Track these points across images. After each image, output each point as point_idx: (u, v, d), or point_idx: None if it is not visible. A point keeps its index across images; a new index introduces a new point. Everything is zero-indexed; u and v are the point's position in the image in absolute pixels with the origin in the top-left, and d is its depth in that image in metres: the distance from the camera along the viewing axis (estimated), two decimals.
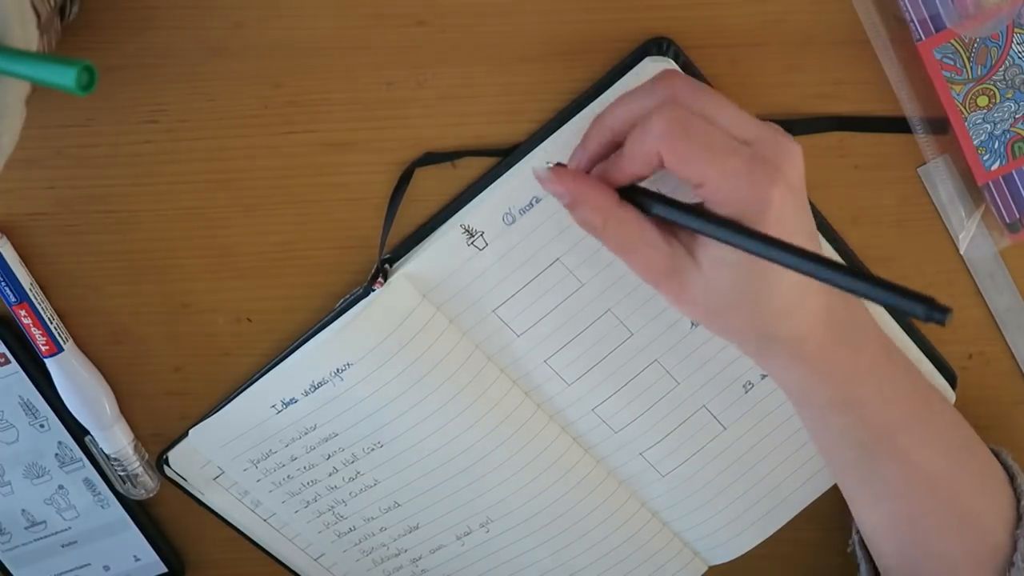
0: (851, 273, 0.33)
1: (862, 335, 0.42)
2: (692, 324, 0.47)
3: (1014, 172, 0.42)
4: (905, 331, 0.47)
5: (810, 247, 0.37)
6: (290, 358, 0.47)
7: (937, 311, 0.30)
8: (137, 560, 0.55)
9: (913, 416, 0.43)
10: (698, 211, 0.37)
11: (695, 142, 0.36)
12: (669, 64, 0.41)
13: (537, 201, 0.43)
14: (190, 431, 0.49)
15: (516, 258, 0.45)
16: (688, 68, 0.42)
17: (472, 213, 0.44)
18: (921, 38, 0.40)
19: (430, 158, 0.44)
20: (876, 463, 0.43)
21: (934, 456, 0.43)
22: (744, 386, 0.48)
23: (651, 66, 0.41)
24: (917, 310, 0.31)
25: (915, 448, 0.42)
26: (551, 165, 0.40)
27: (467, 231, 0.44)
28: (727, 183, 0.36)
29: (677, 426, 0.49)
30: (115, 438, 0.49)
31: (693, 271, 0.38)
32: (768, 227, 0.36)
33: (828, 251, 0.45)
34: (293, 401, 0.47)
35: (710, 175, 0.36)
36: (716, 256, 0.38)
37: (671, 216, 0.38)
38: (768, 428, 0.49)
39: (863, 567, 0.48)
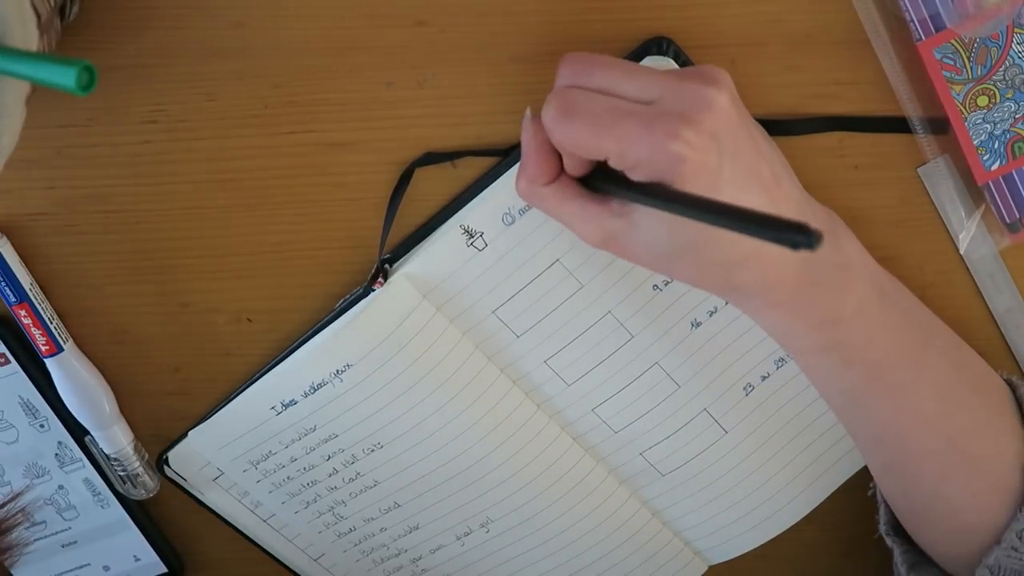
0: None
1: (849, 276, 0.40)
2: (692, 326, 0.47)
3: (1014, 172, 0.42)
4: None
5: (750, 190, 0.36)
6: (289, 359, 0.47)
7: (803, 236, 0.27)
8: (137, 560, 0.55)
9: (905, 358, 0.41)
10: (610, 177, 0.37)
11: (579, 120, 0.35)
12: (669, 64, 0.41)
13: None
14: (190, 432, 0.49)
15: (516, 259, 0.45)
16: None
17: (472, 213, 0.44)
18: (921, 38, 0.40)
19: (430, 158, 0.44)
20: (865, 407, 0.42)
21: (927, 399, 0.41)
22: (744, 388, 0.48)
23: (651, 66, 0.41)
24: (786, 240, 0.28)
25: (905, 391, 0.41)
26: (531, 116, 0.39)
27: (467, 231, 0.44)
28: (628, 149, 0.35)
29: (678, 428, 0.49)
30: (115, 438, 0.49)
31: (630, 232, 0.38)
32: (686, 181, 0.34)
33: None
34: (293, 403, 0.47)
35: (606, 147, 0.35)
36: (646, 213, 0.37)
37: (597, 185, 0.38)
38: (770, 431, 0.49)
39: (881, 510, 0.47)
